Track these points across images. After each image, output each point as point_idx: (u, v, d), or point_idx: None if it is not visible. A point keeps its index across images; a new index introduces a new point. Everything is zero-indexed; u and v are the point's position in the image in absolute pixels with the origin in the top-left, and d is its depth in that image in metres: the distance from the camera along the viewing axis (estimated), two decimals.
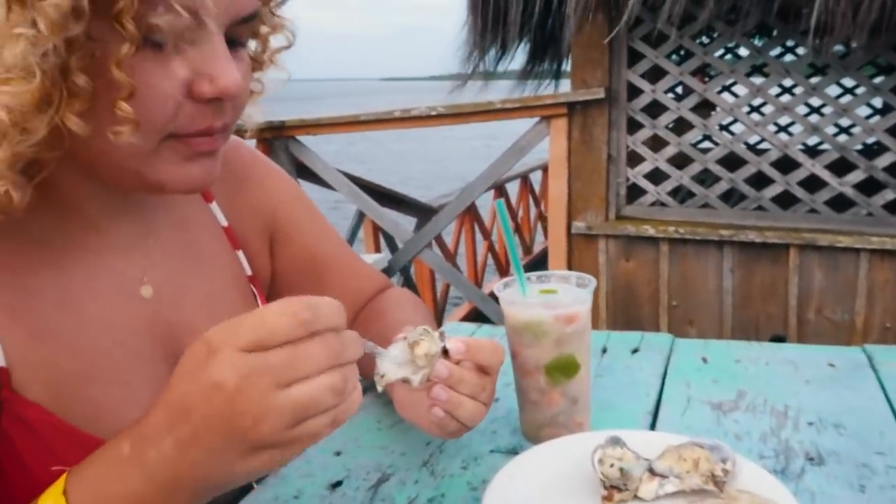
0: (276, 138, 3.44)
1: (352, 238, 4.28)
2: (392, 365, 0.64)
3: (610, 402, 0.91)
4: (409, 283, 4.78)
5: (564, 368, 0.79)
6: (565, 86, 3.42)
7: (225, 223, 0.86)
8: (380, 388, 0.63)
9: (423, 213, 4.71)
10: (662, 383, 0.96)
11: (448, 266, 3.70)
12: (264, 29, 0.75)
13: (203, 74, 0.60)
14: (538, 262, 6.11)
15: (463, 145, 21.54)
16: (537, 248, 6.57)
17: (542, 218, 6.76)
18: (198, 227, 0.83)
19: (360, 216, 4.23)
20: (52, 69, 0.52)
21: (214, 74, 0.60)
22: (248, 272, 0.87)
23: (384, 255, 3.68)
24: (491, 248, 5.69)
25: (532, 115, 3.10)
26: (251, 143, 3.39)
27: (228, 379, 0.48)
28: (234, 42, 0.64)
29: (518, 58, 3.15)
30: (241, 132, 0.86)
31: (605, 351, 1.08)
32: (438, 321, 4.78)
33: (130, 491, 0.51)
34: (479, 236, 5.43)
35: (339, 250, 1.00)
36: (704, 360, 1.03)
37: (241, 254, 0.87)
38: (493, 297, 4.43)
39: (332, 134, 3.53)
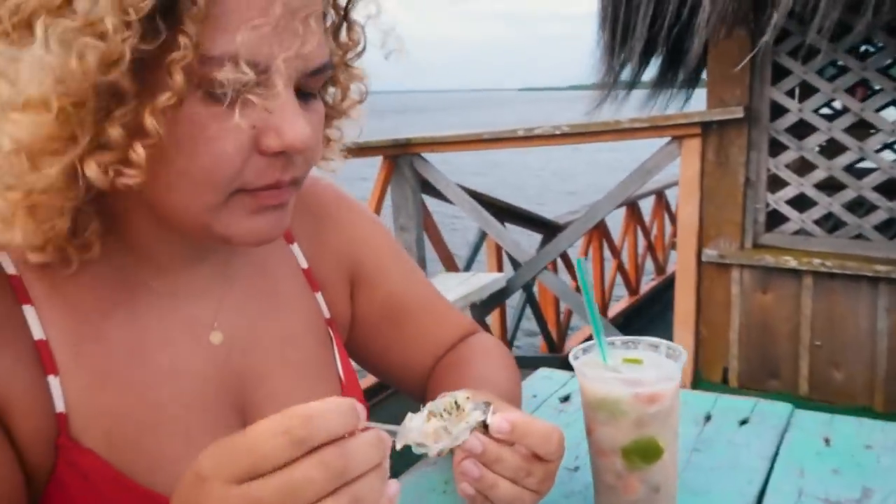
0: (401, 155, 3.50)
1: (473, 256, 4.27)
2: (417, 425, 0.59)
3: (704, 486, 0.81)
4: (531, 301, 4.70)
5: (644, 453, 0.71)
6: (696, 99, 3.20)
7: (305, 265, 0.85)
8: (398, 446, 0.58)
9: (548, 229, 4.62)
10: (771, 468, 0.84)
11: (569, 289, 3.59)
12: (344, 77, 0.73)
13: (270, 128, 0.58)
14: (671, 284, 5.81)
15: (587, 158, 20.97)
16: (671, 269, 6.25)
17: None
18: (277, 269, 0.81)
19: (483, 233, 4.21)
20: (76, 112, 0.51)
21: (282, 129, 0.58)
22: (327, 315, 0.85)
23: (503, 275, 3.63)
24: (620, 268, 5.49)
25: (662, 134, 2.93)
26: (377, 159, 3.48)
27: None
28: (305, 93, 0.62)
29: (649, 70, 3.00)
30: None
31: (708, 419, 0.97)
32: (561, 343, 4.66)
33: None
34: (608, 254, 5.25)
35: (424, 294, 0.96)
36: (827, 441, 0.89)
37: (319, 296, 0.85)
38: (615, 323, 4.23)
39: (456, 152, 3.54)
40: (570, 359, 0.75)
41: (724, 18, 2.44)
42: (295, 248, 0.85)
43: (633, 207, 5.61)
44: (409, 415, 0.60)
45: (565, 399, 1.08)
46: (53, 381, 0.62)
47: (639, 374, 0.73)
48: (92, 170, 0.54)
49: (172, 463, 0.66)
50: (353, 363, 0.89)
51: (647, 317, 5.47)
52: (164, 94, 0.53)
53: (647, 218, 6.00)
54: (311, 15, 0.58)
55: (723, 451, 0.88)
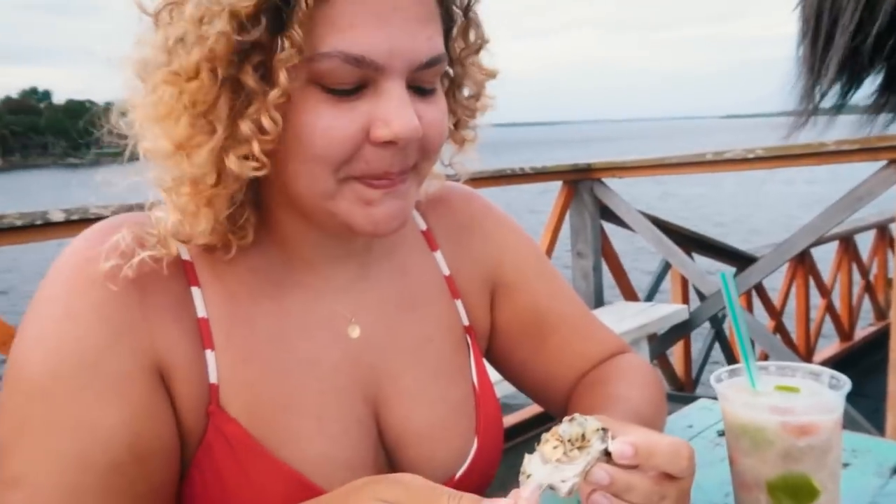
0: (581, 180, 3.45)
1: (655, 286, 4.07)
2: (541, 465, 0.56)
3: None
4: (720, 337, 4.36)
5: (795, 491, 0.62)
6: None
7: (447, 272, 0.86)
8: (526, 494, 0.55)
9: (742, 262, 4.27)
10: None
11: (763, 328, 3.28)
12: (478, 76, 0.76)
13: (380, 119, 0.63)
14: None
15: (782, 189, 19.03)
16: None
17: None
18: (417, 274, 0.84)
19: (667, 263, 4.00)
20: (210, 107, 0.60)
21: (390, 120, 0.62)
22: (466, 322, 0.86)
23: (685, 307, 3.42)
24: (830, 309, 4.92)
25: (876, 158, 2.60)
26: (557, 184, 3.46)
27: None
28: (421, 88, 0.66)
29: (862, 90, 2.66)
30: (454, 179, 0.87)
31: None
32: None
33: None
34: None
35: (570, 310, 0.94)
36: None
37: (459, 303, 0.86)
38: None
39: (639, 177, 3.41)
40: (712, 381, 0.69)
41: None
42: (438, 255, 0.87)
43: (847, 242, 5.02)
44: (528, 457, 0.59)
45: (723, 434, 0.98)
46: (209, 354, 0.69)
47: (789, 402, 0.65)
48: (232, 162, 0.62)
49: (304, 441, 0.70)
50: (491, 372, 0.89)
51: (862, 367, 4.83)
52: (274, 92, 0.59)
53: (865, 255, 5.33)
54: (420, 13, 0.62)
55: None
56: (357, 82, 0.62)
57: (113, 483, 0.63)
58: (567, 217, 3.51)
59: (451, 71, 0.75)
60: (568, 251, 3.61)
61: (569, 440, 0.58)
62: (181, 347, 0.68)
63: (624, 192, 3.46)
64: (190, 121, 0.61)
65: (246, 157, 0.62)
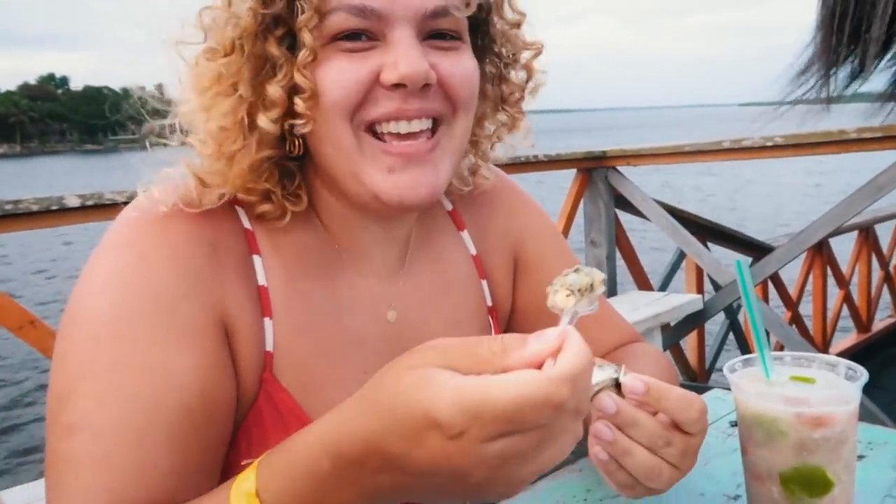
0: (595, 168, 3.42)
1: (670, 276, 4.04)
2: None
3: None
4: (735, 329, 4.33)
5: (808, 484, 0.61)
6: None
7: (474, 251, 0.88)
8: (561, 327, 0.55)
9: (759, 252, 4.23)
10: None
11: (780, 320, 3.24)
12: (525, 55, 0.78)
13: (388, 63, 0.66)
14: None
15: (788, 180, 18.75)
16: None
17: None
18: (449, 257, 0.86)
19: (682, 252, 3.97)
20: (230, 67, 0.65)
21: (396, 62, 0.65)
22: (489, 303, 0.88)
23: (699, 297, 3.39)
24: (847, 299, 4.86)
25: None
26: (571, 172, 3.43)
27: (478, 472, 0.46)
28: (440, 37, 0.69)
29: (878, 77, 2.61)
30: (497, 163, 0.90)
31: None
32: None
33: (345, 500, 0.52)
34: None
35: None
36: None
37: (485, 284, 0.88)
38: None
39: (654, 165, 3.37)
40: (726, 371, 0.68)
41: None
42: (465, 234, 0.88)
43: (866, 233, 4.95)
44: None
45: (736, 424, 0.97)
46: (268, 322, 0.71)
47: (804, 393, 0.63)
48: (263, 122, 0.65)
49: None
50: None
51: (879, 359, 4.78)
52: (303, 53, 0.63)
53: (885, 245, 5.25)
54: None
55: None
56: (367, 34, 0.65)
57: (181, 429, 0.62)
58: (581, 205, 3.48)
59: (496, 43, 0.77)
60: (581, 239, 3.58)
61: (579, 290, 0.57)
62: (245, 311, 0.69)
63: (644, 183, 3.42)
64: (215, 87, 0.65)
65: (275, 121, 0.66)
